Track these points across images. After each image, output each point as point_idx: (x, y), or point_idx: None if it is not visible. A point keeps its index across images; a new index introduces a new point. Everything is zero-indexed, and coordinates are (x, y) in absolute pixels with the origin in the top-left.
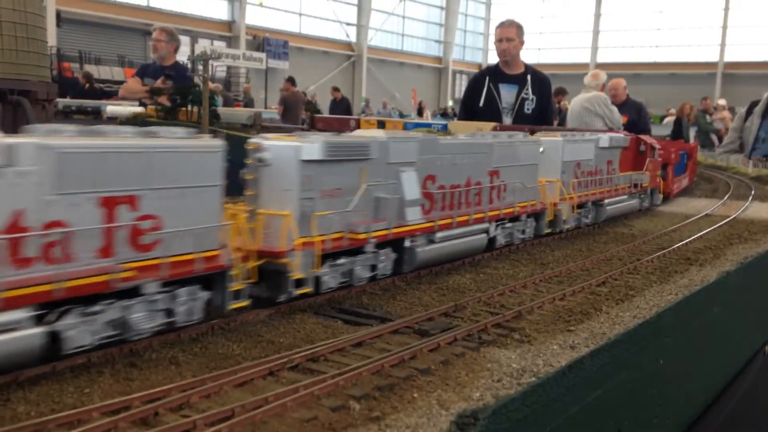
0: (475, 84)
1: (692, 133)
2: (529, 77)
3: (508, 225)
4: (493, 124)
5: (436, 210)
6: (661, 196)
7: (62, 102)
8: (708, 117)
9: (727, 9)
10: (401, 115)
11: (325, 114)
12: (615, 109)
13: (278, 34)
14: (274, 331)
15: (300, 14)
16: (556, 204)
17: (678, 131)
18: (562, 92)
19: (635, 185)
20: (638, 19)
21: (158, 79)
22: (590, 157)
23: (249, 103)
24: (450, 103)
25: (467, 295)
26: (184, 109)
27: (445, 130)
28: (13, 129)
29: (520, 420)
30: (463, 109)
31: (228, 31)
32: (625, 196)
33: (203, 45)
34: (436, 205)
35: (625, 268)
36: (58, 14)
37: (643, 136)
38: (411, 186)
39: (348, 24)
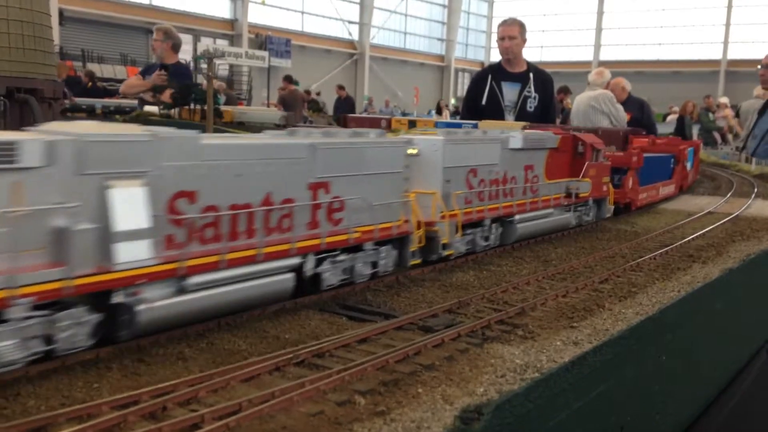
0: (477, 82)
1: (695, 130)
2: (531, 75)
3: (343, 258)
4: (521, 123)
5: (193, 243)
6: (611, 207)
7: (101, 102)
8: (711, 115)
9: (730, 7)
10: (404, 114)
11: (329, 113)
12: (620, 107)
13: (280, 33)
14: (280, 327)
15: (302, 12)
16: (432, 224)
17: (681, 129)
18: (565, 91)
19: (570, 196)
20: (641, 17)
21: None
22: (493, 162)
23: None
24: (452, 101)
25: (471, 291)
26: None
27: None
28: (20, 127)
29: (524, 415)
30: (466, 108)
31: (230, 29)
32: (551, 210)
33: (206, 43)
34: (194, 237)
35: (627, 265)
36: (61, 13)
37: (582, 134)
38: (129, 209)
39: (350, 22)
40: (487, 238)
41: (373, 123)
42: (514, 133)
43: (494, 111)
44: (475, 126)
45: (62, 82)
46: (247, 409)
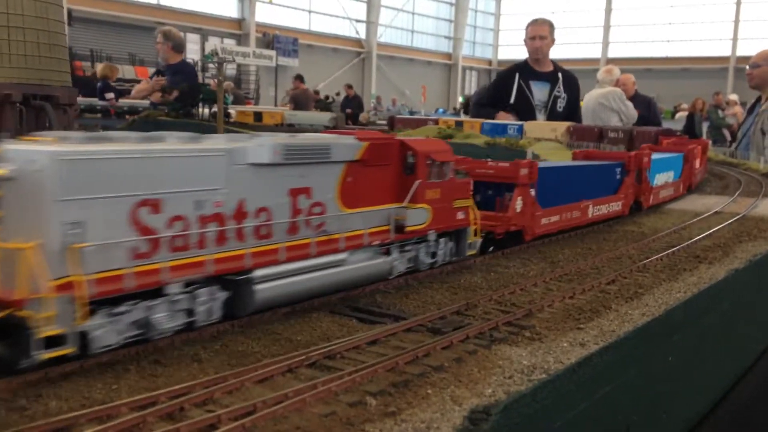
0: (503, 80)
1: (704, 128)
2: (560, 75)
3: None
4: (567, 123)
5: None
6: (478, 240)
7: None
8: (720, 112)
9: (739, 3)
10: (411, 113)
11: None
12: (630, 104)
13: (288, 32)
14: (291, 330)
15: (309, 11)
16: (22, 303)
17: (691, 127)
18: None
19: (395, 229)
20: (649, 14)
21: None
22: (211, 186)
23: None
24: (460, 99)
25: (479, 293)
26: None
27: (521, 132)
28: (36, 132)
29: (531, 415)
30: (480, 106)
31: (238, 28)
32: (344, 256)
33: (213, 43)
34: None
35: (634, 266)
36: (69, 13)
37: (411, 140)
38: None
39: (357, 21)
40: (173, 317)
41: (420, 123)
42: (261, 140)
43: (524, 110)
44: (521, 128)
45: (109, 84)
46: (262, 410)
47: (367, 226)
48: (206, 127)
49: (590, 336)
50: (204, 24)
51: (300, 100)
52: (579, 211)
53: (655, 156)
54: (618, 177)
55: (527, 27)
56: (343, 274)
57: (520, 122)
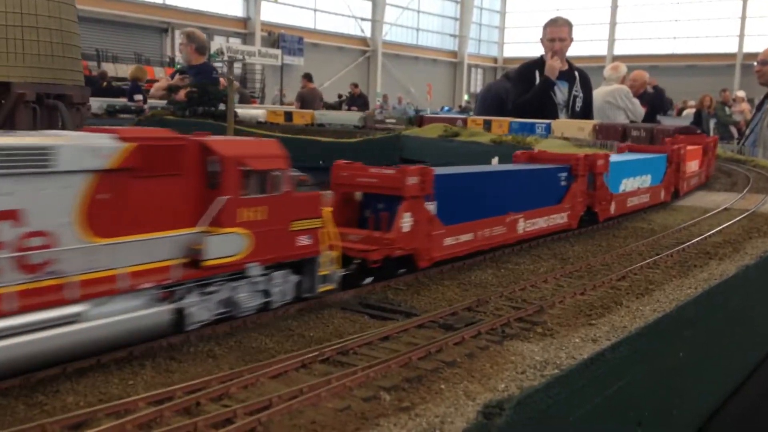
0: (523, 78)
1: (711, 125)
2: (576, 74)
3: None
4: (594, 122)
5: None
6: (338, 272)
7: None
8: (727, 109)
9: None
10: (416, 111)
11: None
12: (637, 101)
13: (293, 30)
14: (304, 326)
15: (315, 10)
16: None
17: (698, 124)
18: None
19: (189, 263)
20: (655, 11)
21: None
22: None
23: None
24: (465, 97)
25: (489, 290)
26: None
27: (549, 131)
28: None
29: (545, 410)
30: (500, 103)
31: (243, 27)
32: (79, 308)
33: (219, 42)
34: None
35: (644, 262)
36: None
37: (217, 141)
38: None
39: (363, 19)
40: None
41: (450, 122)
42: None
43: (548, 110)
44: (548, 127)
45: (138, 86)
46: (277, 404)
47: (134, 262)
48: (215, 127)
49: (602, 332)
50: (209, 23)
51: (307, 99)
52: (504, 227)
53: (616, 158)
54: (563, 183)
55: (546, 27)
56: (75, 335)
57: (547, 120)
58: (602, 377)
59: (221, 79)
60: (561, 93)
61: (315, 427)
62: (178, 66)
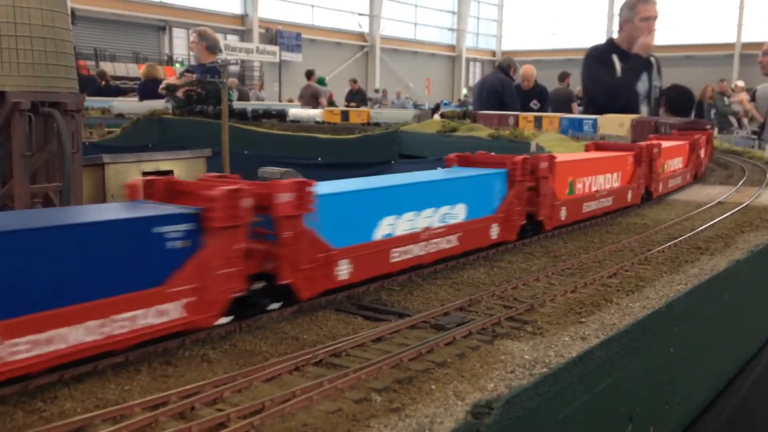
0: (602, 62)
1: (711, 116)
2: (653, 60)
3: None
4: (632, 116)
5: None
6: None
7: (252, 105)
8: (726, 99)
9: None
10: (415, 106)
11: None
12: None
13: (291, 27)
14: (298, 328)
15: (312, 6)
16: None
17: (699, 115)
18: (567, 75)
19: None
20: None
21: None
22: None
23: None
24: (464, 91)
25: (482, 289)
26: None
27: (595, 127)
28: (44, 139)
29: (533, 408)
30: (496, 97)
31: (241, 24)
32: None
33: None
34: None
35: (636, 259)
36: (72, 12)
37: None
38: None
39: (360, 14)
40: None
41: (501, 120)
42: None
43: (628, 101)
44: (595, 122)
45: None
46: (270, 408)
47: None
48: (212, 126)
49: (591, 329)
50: (207, 20)
51: (306, 97)
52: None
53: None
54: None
55: (637, 5)
56: None
57: (594, 116)
58: (591, 375)
59: (230, 80)
60: (642, 83)
61: (307, 430)
62: (177, 65)
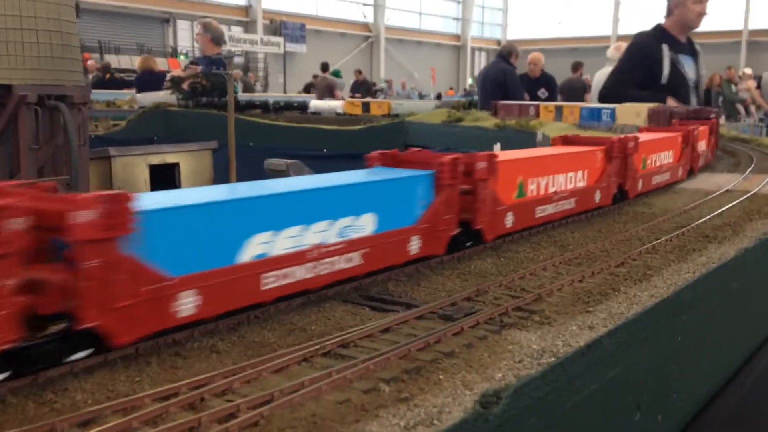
0: (648, 52)
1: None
2: (698, 48)
3: None
4: (649, 105)
5: None
6: None
7: (273, 97)
8: (733, 87)
9: None
10: (421, 96)
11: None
12: None
13: (295, 17)
14: (306, 319)
15: None
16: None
17: (707, 103)
18: (581, 65)
19: None
20: None
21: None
22: None
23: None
24: (469, 80)
25: (489, 279)
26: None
27: (613, 117)
28: (51, 132)
29: (541, 398)
30: (500, 87)
31: (245, 15)
32: None
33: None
34: None
35: (643, 248)
36: (77, 5)
37: None
38: None
39: (365, 4)
40: None
41: (522, 110)
42: None
43: (680, 91)
44: (613, 112)
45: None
46: (279, 398)
47: None
48: (218, 118)
49: (599, 319)
50: (211, 12)
51: (321, 89)
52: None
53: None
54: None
55: None
56: None
57: (613, 105)
58: (599, 364)
59: (235, 72)
60: (690, 70)
61: (315, 420)
62: (182, 57)
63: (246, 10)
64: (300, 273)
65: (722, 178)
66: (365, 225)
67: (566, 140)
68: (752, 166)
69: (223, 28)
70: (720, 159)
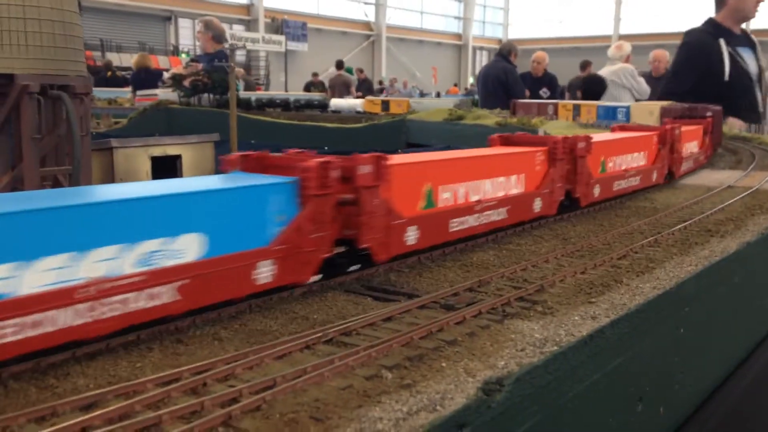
0: (705, 49)
1: None
2: (754, 38)
3: None
4: (661, 103)
5: None
6: None
7: (294, 96)
8: None
9: None
10: (422, 94)
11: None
12: (642, 80)
13: (296, 16)
14: (308, 308)
15: None
16: None
17: None
18: (589, 64)
19: None
20: None
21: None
22: None
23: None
24: (471, 79)
25: (491, 270)
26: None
27: (629, 115)
28: (54, 122)
29: (544, 386)
30: (502, 86)
31: (246, 14)
32: None
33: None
34: None
35: (645, 241)
36: (79, 3)
37: None
38: None
39: (366, 3)
40: None
41: (541, 108)
42: None
43: (742, 89)
44: (629, 109)
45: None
46: (281, 384)
47: None
48: (219, 115)
49: (601, 309)
50: (212, 10)
51: (337, 86)
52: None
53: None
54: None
55: None
56: None
57: (627, 104)
58: (602, 354)
59: (237, 69)
60: (751, 63)
61: (318, 405)
62: (183, 55)
63: (248, 8)
64: (64, 319)
65: (724, 175)
66: (187, 249)
67: (505, 140)
68: (754, 163)
69: (225, 26)
70: (722, 156)
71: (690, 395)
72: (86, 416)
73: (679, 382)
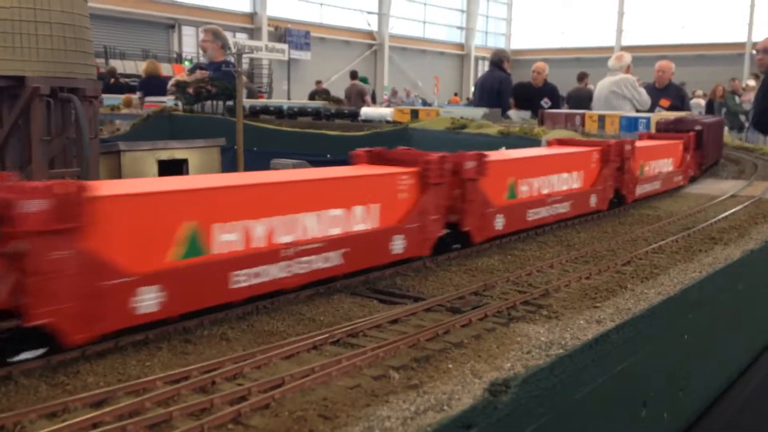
0: None
1: (722, 114)
2: None
3: None
4: (676, 114)
5: None
6: None
7: (322, 105)
8: (737, 98)
9: None
10: (425, 104)
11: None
12: (643, 91)
13: (300, 25)
14: (315, 310)
15: (321, 4)
16: None
17: (711, 114)
18: (586, 75)
19: None
20: (663, 0)
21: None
22: None
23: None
24: (473, 90)
25: (496, 275)
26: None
27: (649, 125)
28: (63, 124)
29: (549, 388)
30: (496, 97)
31: (250, 22)
32: None
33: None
34: None
35: (650, 248)
36: None
37: None
38: None
39: (369, 12)
40: None
41: (569, 118)
42: None
43: None
44: (649, 120)
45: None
46: (290, 382)
47: None
48: (223, 122)
49: (606, 314)
50: (216, 18)
51: (352, 96)
52: None
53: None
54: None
55: None
56: None
57: (648, 114)
58: (606, 357)
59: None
60: None
61: (327, 403)
62: (186, 63)
63: (251, 17)
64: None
65: (727, 185)
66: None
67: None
68: (756, 173)
69: (228, 34)
70: (724, 166)
71: (694, 401)
72: (97, 412)
73: (683, 388)
